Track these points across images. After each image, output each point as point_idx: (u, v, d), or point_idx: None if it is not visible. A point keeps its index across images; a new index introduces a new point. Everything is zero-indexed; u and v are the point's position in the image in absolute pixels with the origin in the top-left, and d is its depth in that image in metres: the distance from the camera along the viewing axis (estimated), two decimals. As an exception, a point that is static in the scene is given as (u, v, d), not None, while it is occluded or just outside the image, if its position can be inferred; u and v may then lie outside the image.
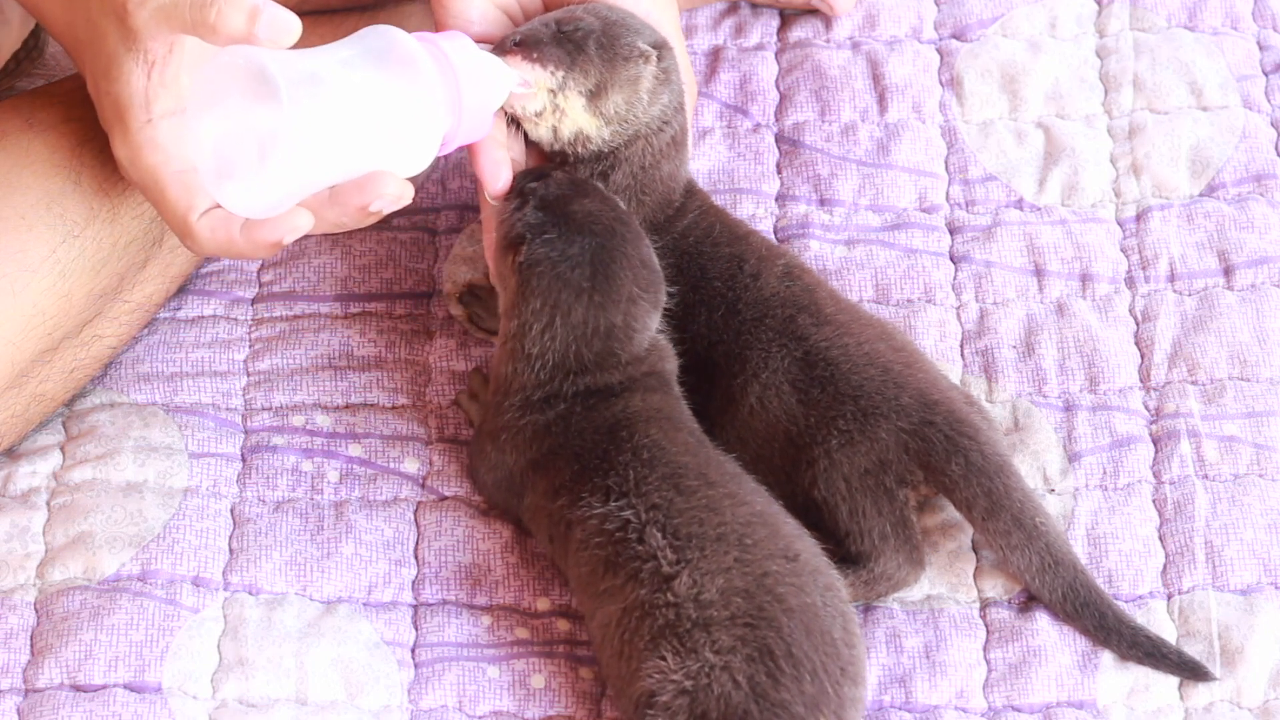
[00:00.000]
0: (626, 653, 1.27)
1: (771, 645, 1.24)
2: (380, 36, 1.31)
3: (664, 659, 1.25)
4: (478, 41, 1.39)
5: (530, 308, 1.32)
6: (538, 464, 1.34)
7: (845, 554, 1.35)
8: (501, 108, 1.36)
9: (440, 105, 1.31)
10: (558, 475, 1.33)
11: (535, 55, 1.36)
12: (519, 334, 1.33)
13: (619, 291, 1.32)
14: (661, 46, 1.38)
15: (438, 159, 1.44)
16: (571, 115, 1.37)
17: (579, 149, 1.39)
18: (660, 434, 1.32)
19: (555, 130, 1.38)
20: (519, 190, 1.35)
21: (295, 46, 1.24)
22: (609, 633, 1.28)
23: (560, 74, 1.36)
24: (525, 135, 1.40)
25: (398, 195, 1.30)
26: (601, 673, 1.31)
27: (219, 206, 1.29)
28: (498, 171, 1.37)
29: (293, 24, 1.23)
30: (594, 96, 1.37)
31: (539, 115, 1.37)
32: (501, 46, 1.37)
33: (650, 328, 1.35)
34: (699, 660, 1.24)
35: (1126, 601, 1.36)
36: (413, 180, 1.32)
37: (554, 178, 1.35)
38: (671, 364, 1.36)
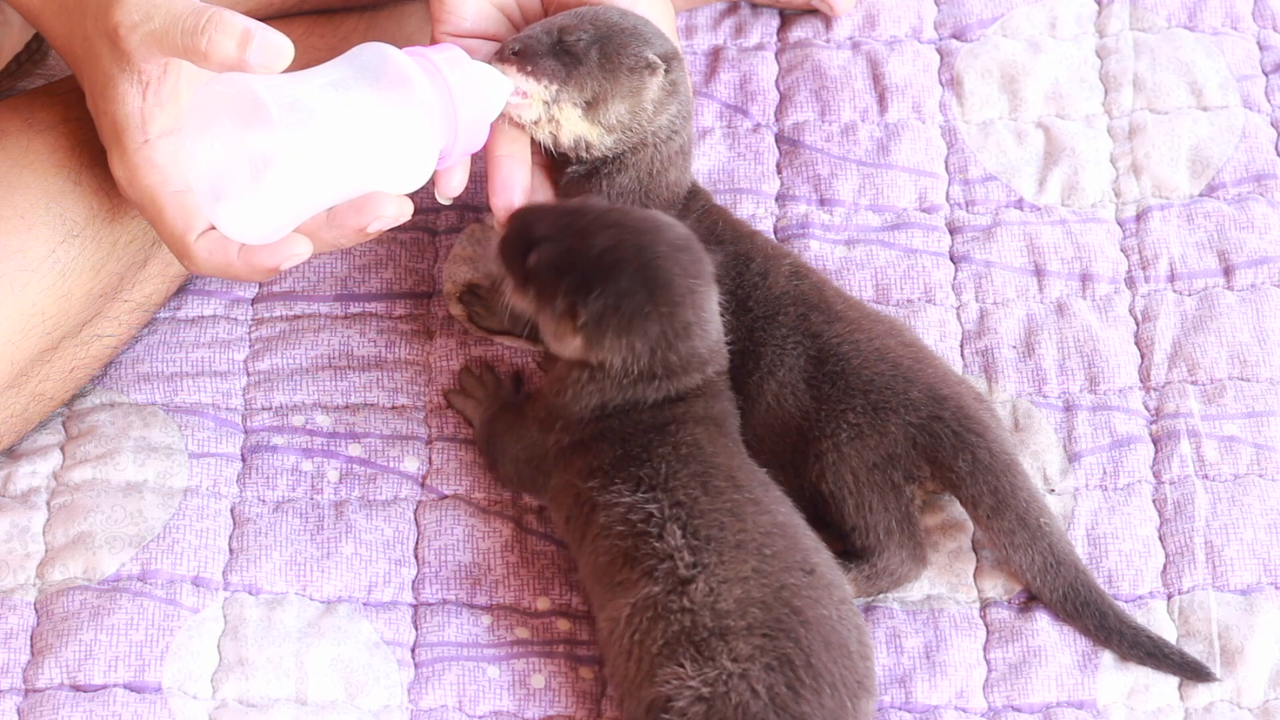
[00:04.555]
0: (637, 654, 1.26)
1: (791, 656, 1.24)
2: (373, 54, 1.31)
3: (681, 666, 1.25)
4: (473, 39, 1.39)
5: (606, 350, 1.31)
6: (581, 444, 1.33)
7: (849, 548, 1.35)
8: (500, 114, 1.37)
9: (436, 121, 1.31)
10: (598, 458, 1.32)
11: (530, 68, 1.36)
12: (599, 369, 1.32)
13: (678, 291, 1.30)
14: (671, 58, 1.38)
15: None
16: (568, 125, 1.37)
17: (582, 154, 1.39)
18: (704, 434, 1.32)
19: (554, 137, 1.38)
20: (521, 271, 1.32)
21: (292, 47, 1.25)
22: (617, 629, 1.28)
23: (554, 87, 1.36)
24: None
25: (396, 215, 1.30)
26: (606, 669, 1.31)
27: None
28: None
29: (285, 48, 1.23)
30: (591, 107, 1.37)
31: (535, 124, 1.38)
32: (501, 54, 1.37)
33: (716, 308, 1.33)
34: (717, 668, 1.24)
35: (1126, 601, 1.36)
36: (411, 196, 1.32)
37: (544, 234, 1.32)
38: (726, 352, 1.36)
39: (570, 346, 1.32)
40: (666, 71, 1.38)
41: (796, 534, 1.29)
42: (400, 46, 1.33)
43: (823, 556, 1.30)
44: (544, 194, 1.42)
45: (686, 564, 1.27)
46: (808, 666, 1.24)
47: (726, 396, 1.35)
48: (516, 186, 1.38)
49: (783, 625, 1.25)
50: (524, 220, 1.34)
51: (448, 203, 1.37)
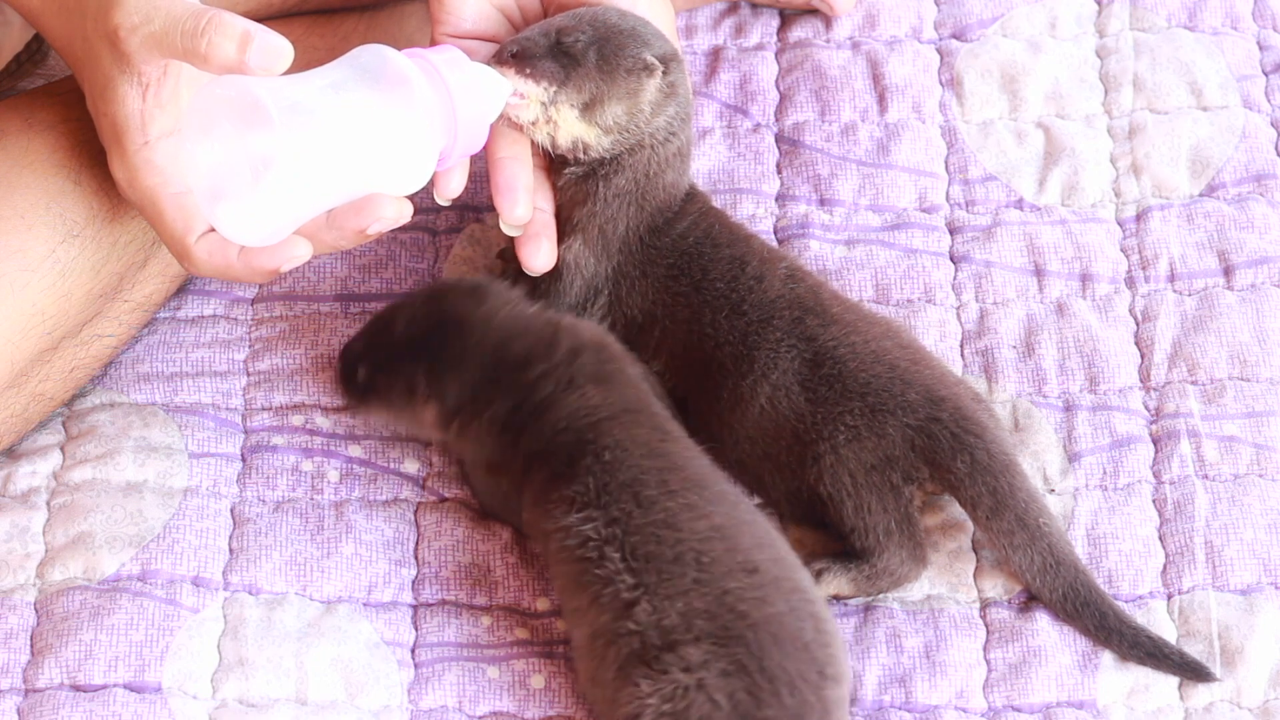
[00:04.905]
0: (600, 679, 1.27)
1: (744, 662, 1.24)
2: (372, 56, 1.31)
3: (638, 685, 1.24)
4: (472, 40, 1.39)
5: (456, 400, 1.35)
6: (522, 475, 1.34)
7: (849, 549, 1.35)
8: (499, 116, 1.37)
9: (435, 123, 1.31)
10: (532, 484, 1.33)
11: (528, 69, 1.36)
12: (465, 419, 1.36)
13: (469, 325, 1.35)
14: (670, 60, 1.38)
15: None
16: (565, 126, 1.38)
17: (579, 154, 1.39)
18: (623, 433, 1.31)
19: (552, 138, 1.38)
20: (359, 393, 1.39)
21: (291, 49, 1.25)
22: (581, 655, 1.28)
23: (552, 89, 1.36)
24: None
25: (396, 217, 1.30)
26: (581, 692, 1.31)
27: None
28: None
29: (284, 50, 1.23)
30: (588, 109, 1.37)
31: (534, 125, 1.38)
32: (499, 56, 1.37)
33: (516, 313, 1.36)
34: (672, 681, 1.24)
35: (1126, 601, 1.36)
36: (411, 197, 1.32)
37: (357, 351, 1.39)
38: (594, 332, 1.38)
39: (433, 422, 1.36)
40: (664, 73, 1.38)
41: (735, 535, 1.28)
42: (400, 47, 1.33)
43: (766, 553, 1.28)
44: (544, 195, 1.42)
45: (628, 586, 1.26)
46: (762, 670, 1.23)
47: (624, 380, 1.35)
48: (520, 186, 1.38)
49: (730, 632, 1.24)
50: (344, 352, 1.40)
51: (447, 204, 1.37)
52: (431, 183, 1.35)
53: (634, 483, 1.29)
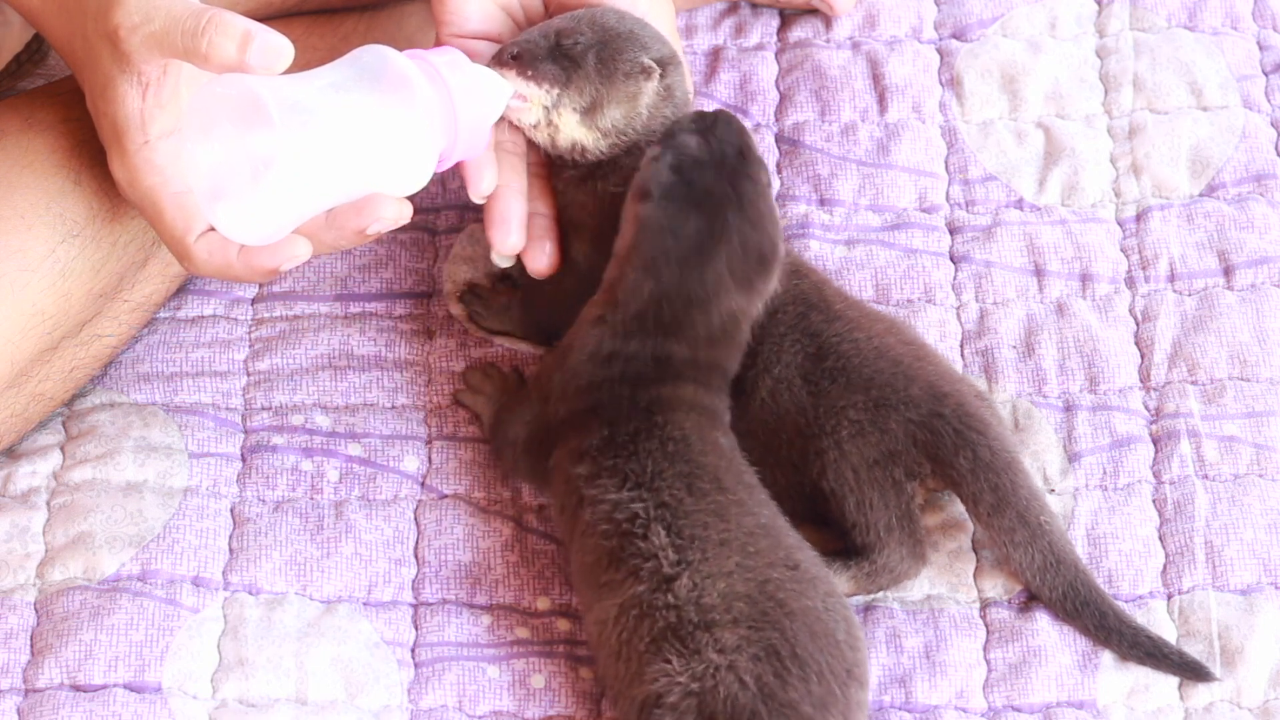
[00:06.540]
0: (625, 653, 1.27)
1: (777, 646, 1.24)
2: (373, 57, 1.31)
3: (668, 661, 1.25)
4: (476, 40, 1.39)
5: (635, 261, 1.33)
6: (575, 417, 1.33)
7: (849, 546, 1.35)
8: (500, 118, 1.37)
9: (436, 124, 1.31)
10: (587, 437, 1.32)
11: (530, 72, 1.36)
12: (619, 280, 1.34)
13: (711, 271, 1.32)
14: (667, 62, 1.39)
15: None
16: (565, 129, 1.38)
17: (576, 156, 1.39)
18: (693, 428, 1.32)
19: (552, 140, 1.39)
20: (669, 134, 1.35)
21: (292, 48, 1.25)
22: (606, 630, 1.28)
23: (555, 92, 1.36)
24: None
25: (395, 217, 1.30)
26: (598, 670, 1.31)
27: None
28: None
29: (285, 49, 1.23)
30: (589, 112, 1.37)
31: (534, 127, 1.38)
32: (499, 58, 1.37)
33: (730, 310, 1.34)
34: (703, 661, 1.24)
35: (1126, 601, 1.36)
36: (411, 196, 1.32)
37: (708, 134, 1.35)
38: (734, 365, 1.36)
39: (625, 229, 1.34)
40: (662, 76, 1.38)
41: (780, 533, 1.30)
42: (400, 47, 1.33)
43: (806, 554, 1.30)
44: (544, 199, 1.42)
45: (670, 562, 1.27)
46: (793, 656, 1.24)
47: (722, 394, 1.35)
48: (513, 218, 1.39)
49: (768, 617, 1.25)
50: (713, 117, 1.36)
51: (481, 201, 1.38)
52: (439, 182, 1.35)
53: (689, 475, 1.30)
